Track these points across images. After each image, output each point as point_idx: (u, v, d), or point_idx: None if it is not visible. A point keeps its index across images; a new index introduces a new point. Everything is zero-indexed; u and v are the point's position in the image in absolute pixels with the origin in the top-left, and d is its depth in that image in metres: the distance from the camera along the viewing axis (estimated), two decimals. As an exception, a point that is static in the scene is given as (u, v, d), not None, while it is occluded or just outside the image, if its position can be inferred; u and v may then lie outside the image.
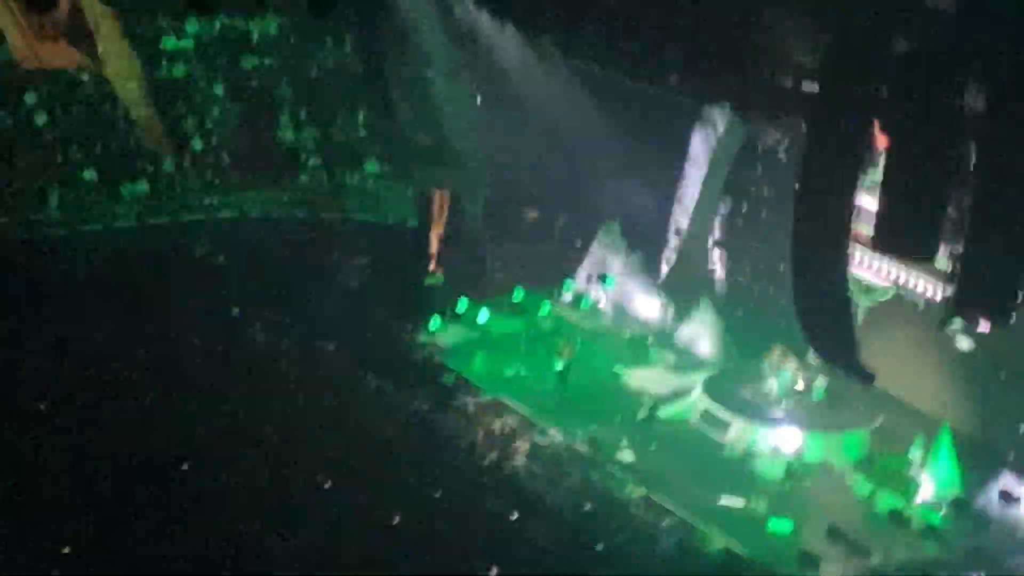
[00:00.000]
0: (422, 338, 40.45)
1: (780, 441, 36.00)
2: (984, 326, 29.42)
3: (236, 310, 39.71)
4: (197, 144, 44.97)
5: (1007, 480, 34.27)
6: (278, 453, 32.97)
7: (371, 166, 46.30)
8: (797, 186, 29.08)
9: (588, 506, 33.03)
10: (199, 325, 38.84)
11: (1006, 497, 33.77)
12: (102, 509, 29.96)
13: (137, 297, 39.70)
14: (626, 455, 35.47)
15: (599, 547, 30.77)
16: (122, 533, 29.09)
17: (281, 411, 34.92)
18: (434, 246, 46.55)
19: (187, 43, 46.53)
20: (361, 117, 47.13)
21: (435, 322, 40.93)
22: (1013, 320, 28.48)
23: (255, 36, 47.70)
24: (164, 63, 45.95)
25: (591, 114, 44.05)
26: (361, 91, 45.60)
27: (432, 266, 45.01)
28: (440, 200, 46.67)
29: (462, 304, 41.79)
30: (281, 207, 45.21)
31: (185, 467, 31.88)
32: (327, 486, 31.49)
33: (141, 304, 39.63)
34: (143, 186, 43.19)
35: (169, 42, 46.22)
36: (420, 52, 47.80)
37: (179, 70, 46.12)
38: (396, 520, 30.54)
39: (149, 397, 34.89)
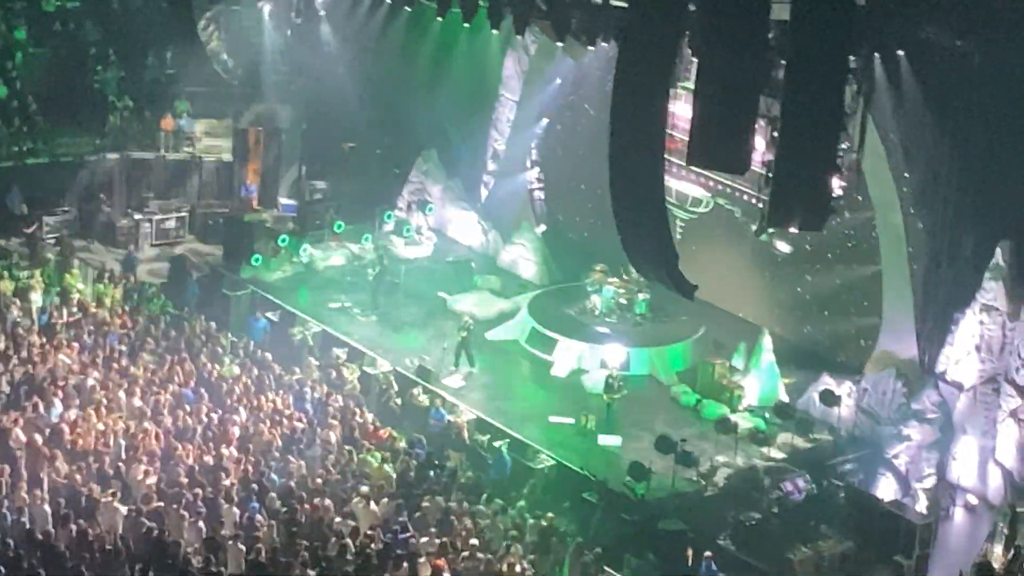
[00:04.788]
0: (245, 274, 40.16)
1: (606, 357, 36.39)
2: (794, 228, 29.91)
3: (51, 256, 39.05)
4: (2, 91, 44.07)
5: (827, 381, 35.03)
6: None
7: (183, 104, 45.77)
8: (612, 101, 29.28)
9: (423, 433, 33.12)
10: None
11: (826, 398, 34.51)
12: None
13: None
14: (454, 380, 35.65)
15: (433, 473, 30.87)
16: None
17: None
18: (252, 181, 46.26)
19: (-16, -12, 45.60)
20: (170, 55, 46.53)
21: (257, 258, 40.63)
22: (824, 225, 29.09)
23: (55, -22, 46.94)
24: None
25: (403, 46, 44.09)
26: (170, 28, 44.96)
27: (252, 202, 44.72)
28: (255, 135, 46.33)
29: (283, 239, 41.54)
30: (93, 150, 44.55)
31: None
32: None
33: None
34: (-49, 136, 42.40)
35: (-35, -11, 45.30)
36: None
37: (-22, 17, 45.23)
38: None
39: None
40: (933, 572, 30.30)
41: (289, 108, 46.43)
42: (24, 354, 33.36)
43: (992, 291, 32.60)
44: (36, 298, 36.99)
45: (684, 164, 31.92)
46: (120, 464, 29.07)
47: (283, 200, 46.20)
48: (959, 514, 32.97)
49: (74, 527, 26.27)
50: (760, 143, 28.86)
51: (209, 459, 29.68)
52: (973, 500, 32.86)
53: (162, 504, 27.51)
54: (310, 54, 46.14)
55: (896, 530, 30.42)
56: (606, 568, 28.83)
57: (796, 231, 31.44)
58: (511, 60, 43.03)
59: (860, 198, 34.01)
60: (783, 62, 27.77)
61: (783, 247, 36.91)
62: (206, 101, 46.26)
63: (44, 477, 28.16)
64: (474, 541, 27.84)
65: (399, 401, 34.76)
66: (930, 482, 33.25)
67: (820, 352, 37.03)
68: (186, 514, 27.10)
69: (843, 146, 28.72)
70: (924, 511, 31.99)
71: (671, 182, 37.00)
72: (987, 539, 30.66)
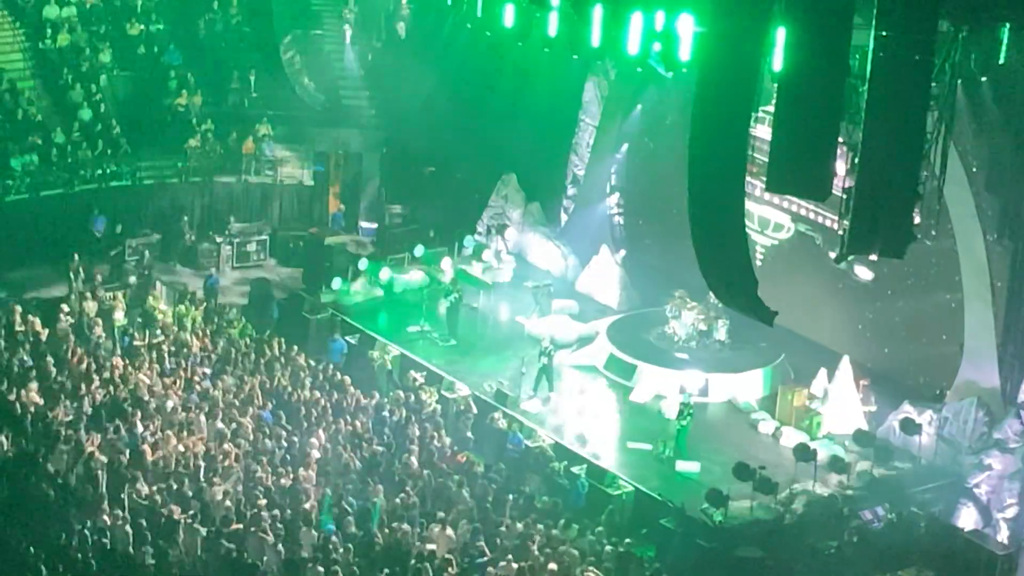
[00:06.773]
0: (325, 297, 40.35)
1: (685, 383, 36.28)
2: (874, 256, 29.70)
3: (133, 278, 39.41)
4: (86, 114, 44.55)
5: (907, 409, 34.75)
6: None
7: (264, 128, 46.09)
8: (691, 125, 29.17)
9: (501, 457, 33.16)
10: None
11: (907, 426, 34.23)
12: None
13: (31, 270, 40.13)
14: (532, 404, 35.64)
15: (511, 498, 30.87)
16: None
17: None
18: (332, 205, 46.52)
19: (70, 11, 46.05)
20: (253, 79, 46.90)
21: (337, 281, 40.84)
22: (905, 252, 28.86)
23: (139, 2, 47.31)
24: (48, 32, 45.48)
25: (484, 69, 44.15)
26: (252, 53, 45.35)
27: (331, 225, 44.95)
28: (336, 159, 46.60)
29: (363, 262, 41.70)
30: (175, 173, 44.96)
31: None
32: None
33: (34, 277, 39.91)
34: (34, 158, 42.72)
35: (52, 11, 45.74)
36: (309, 12, 47.70)
37: (64, 39, 45.65)
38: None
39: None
40: (1015, 603, 30.04)
41: (370, 132, 46.67)
42: (106, 375, 33.71)
43: (1076, 319, 32.32)
44: (118, 320, 37.37)
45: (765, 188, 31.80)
46: (200, 485, 29.31)
47: (363, 223, 46.43)
48: (1041, 544, 32.63)
49: (154, 548, 26.48)
50: (841, 169, 28.70)
51: (287, 481, 29.84)
52: (1055, 531, 32.54)
53: (241, 526, 27.69)
54: (391, 78, 46.36)
55: (977, 560, 30.16)
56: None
57: (876, 258, 31.24)
58: (591, 85, 43.09)
59: (934, 224, 33.71)
60: (864, 87, 27.66)
61: (864, 274, 36.69)
62: (288, 125, 46.61)
63: (125, 497, 28.40)
64: (552, 566, 27.82)
65: (471, 424, 34.84)
66: (1012, 512, 32.88)
67: (900, 379, 36.71)
68: (265, 536, 27.24)
69: (924, 173, 28.49)
70: (1005, 541, 31.69)
71: (752, 207, 36.92)
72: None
